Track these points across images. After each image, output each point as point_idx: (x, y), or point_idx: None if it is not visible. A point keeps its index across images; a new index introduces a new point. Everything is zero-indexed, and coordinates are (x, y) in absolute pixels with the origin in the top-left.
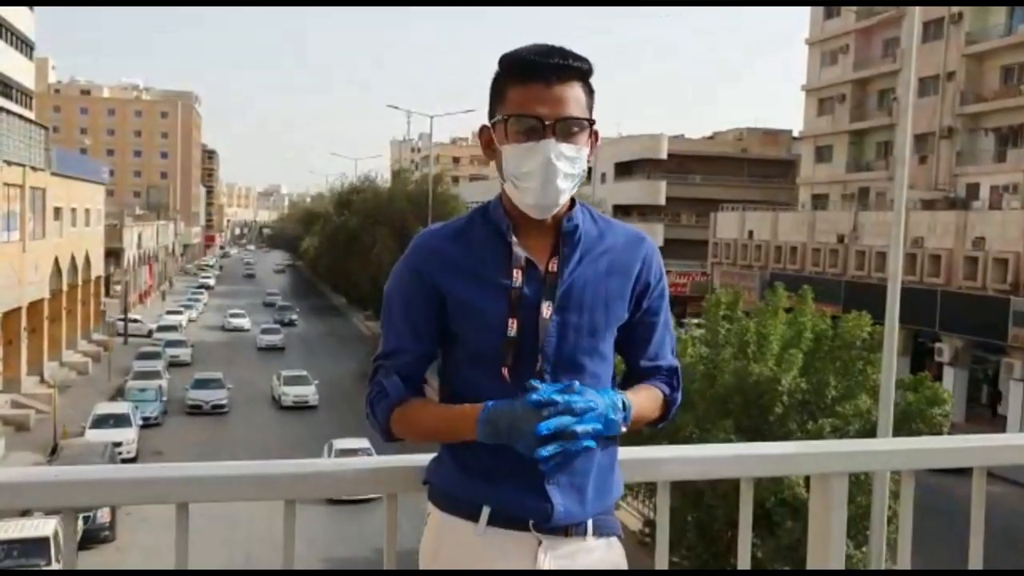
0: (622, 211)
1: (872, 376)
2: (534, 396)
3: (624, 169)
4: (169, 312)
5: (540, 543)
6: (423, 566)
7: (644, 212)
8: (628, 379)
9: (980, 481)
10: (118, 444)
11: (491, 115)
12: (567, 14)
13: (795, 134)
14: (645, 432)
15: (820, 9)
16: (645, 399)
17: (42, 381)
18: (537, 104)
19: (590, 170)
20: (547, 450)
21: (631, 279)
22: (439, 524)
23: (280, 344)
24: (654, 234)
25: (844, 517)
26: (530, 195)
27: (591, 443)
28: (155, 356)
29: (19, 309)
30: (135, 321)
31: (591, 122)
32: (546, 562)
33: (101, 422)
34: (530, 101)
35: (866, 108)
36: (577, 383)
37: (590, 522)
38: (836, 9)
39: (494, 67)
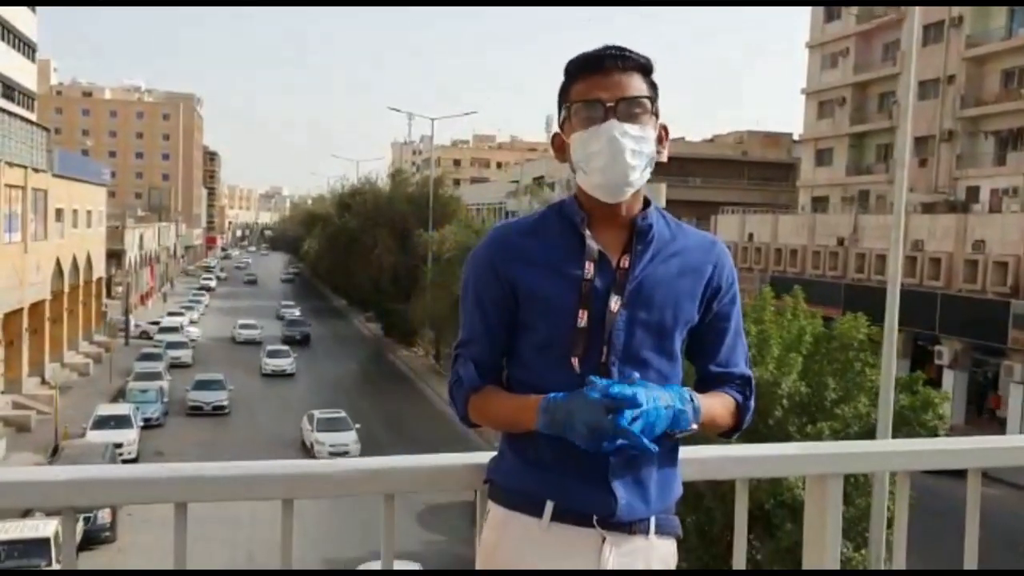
0: None
1: (870, 378)
2: (592, 391)
3: None
4: (170, 314)
5: (604, 539)
6: (480, 562)
7: None
8: (699, 386)
9: (975, 482)
10: (119, 445)
11: (559, 119)
12: (567, 14)
13: (795, 137)
14: None
15: (820, 12)
16: (716, 403)
17: (43, 382)
18: (598, 90)
19: None
20: (608, 446)
21: (702, 281)
22: (501, 520)
23: (290, 370)
24: None
25: (839, 518)
26: (599, 174)
27: (652, 446)
28: (156, 357)
29: (20, 310)
30: (157, 324)
31: (652, 100)
32: (611, 559)
33: (102, 423)
34: (591, 89)
35: (866, 111)
36: (637, 375)
37: (653, 520)
38: (836, 12)
39: (493, 69)
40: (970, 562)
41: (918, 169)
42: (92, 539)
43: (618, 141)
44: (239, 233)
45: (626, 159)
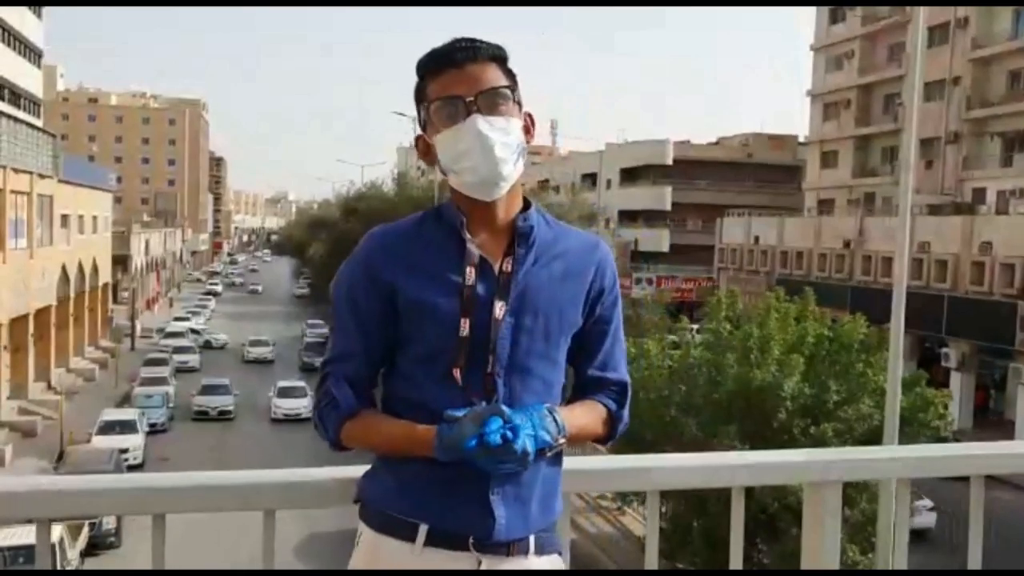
0: (628, 217)
1: (873, 379)
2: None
3: (629, 175)
4: (176, 319)
5: (480, 563)
6: None
7: (650, 218)
8: (576, 390)
9: (978, 489)
10: (124, 450)
11: (419, 121)
12: (576, 14)
13: (801, 139)
14: (648, 437)
15: (825, 14)
16: (583, 415)
17: (49, 387)
18: (455, 86)
19: (594, 176)
20: (503, 466)
21: (585, 284)
22: (371, 545)
23: (306, 414)
24: (660, 240)
25: (838, 526)
26: (471, 174)
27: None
28: (162, 363)
29: (26, 316)
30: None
31: (512, 89)
32: None
33: (108, 428)
34: (448, 86)
35: (872, 113)
36: (504, 407)
37: (532, 539)
38: (841, 14)
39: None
40: (974, 564)
41: (924, 171)
42: (98, 545)
43: (486, 136)
44: (245, 238)
45: (496, 154)
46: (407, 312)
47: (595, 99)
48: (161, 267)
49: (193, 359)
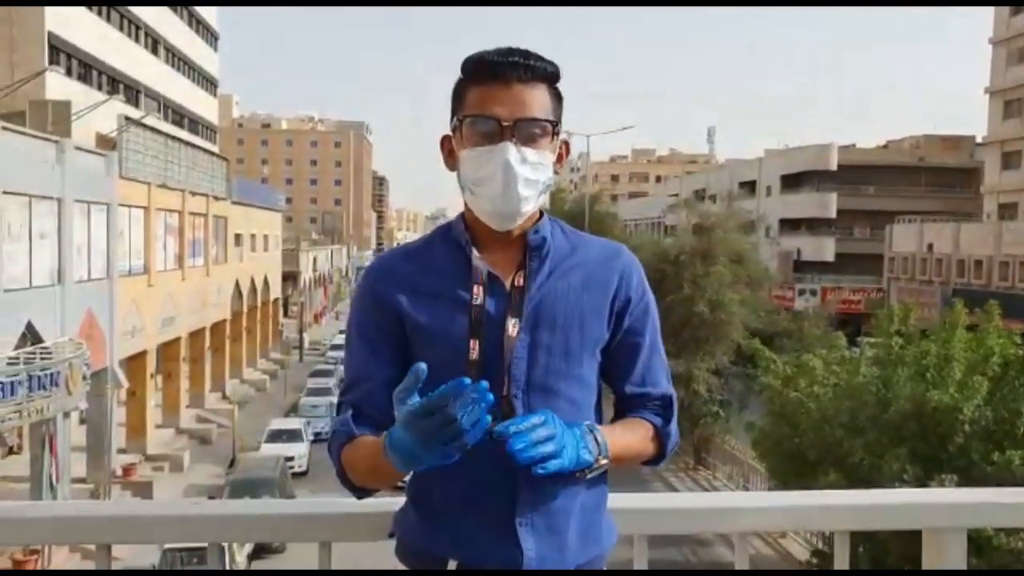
0: (789, 225)
1: None
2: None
3: (791, 181)
4: (342, 331)
5: None
6: None
7: (813, 226)
8: (617, 409)
9: None
10: (290, 458)
11: (451, 123)
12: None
13: (979, 140)
14: (811, 459)
15: (1004, 6)
16: (628, 433)
17: (223, 397)
18: (495, 105)
19: (753, 184)
20: (469, 437)
21: (608, 294)
22: None
23: None
24: (824, 248)
25: None
26: (488, 202)
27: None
28: (328, 374)
29: (203, 329)
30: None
31: (554, 124)
32: None
33: (275, 437)
34: (488, 102)
35: None
36: (550, 412)
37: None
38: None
39: (658, 82)
40: None
41: None
42: (263, 548)
43: (512, 168)
44: None
45: (519, 190)
46: (415, 336)
47: (752, 106)
48: (328, 282)
49: None
